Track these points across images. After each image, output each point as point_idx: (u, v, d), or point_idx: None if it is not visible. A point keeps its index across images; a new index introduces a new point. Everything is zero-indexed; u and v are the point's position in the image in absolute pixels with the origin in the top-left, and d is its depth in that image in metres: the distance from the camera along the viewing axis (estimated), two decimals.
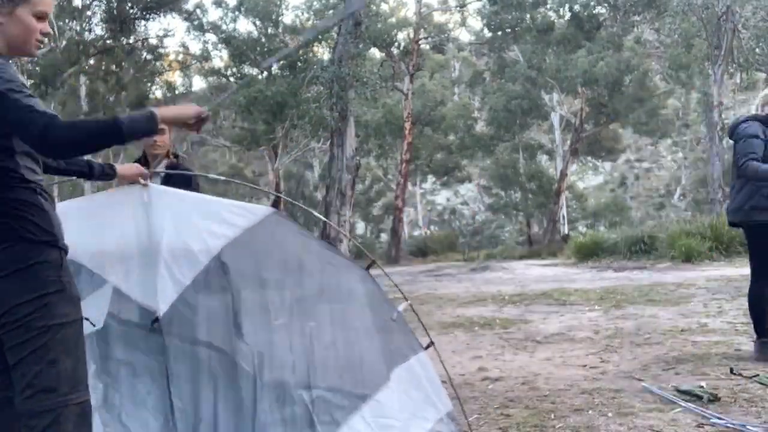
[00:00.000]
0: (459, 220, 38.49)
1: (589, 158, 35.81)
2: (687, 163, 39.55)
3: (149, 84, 23.97)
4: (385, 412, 3.27)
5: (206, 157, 39.69)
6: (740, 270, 11.32)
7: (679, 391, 4.33)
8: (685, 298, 8.94)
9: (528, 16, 25.49)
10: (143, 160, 4.39)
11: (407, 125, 25.72)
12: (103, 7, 19.15)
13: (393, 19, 29.49)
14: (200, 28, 25.43)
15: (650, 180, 43.81)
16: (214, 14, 74.30)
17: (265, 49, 24.37)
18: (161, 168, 4.04)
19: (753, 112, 5.86)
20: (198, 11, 25.13)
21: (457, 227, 36.28)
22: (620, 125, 29.17)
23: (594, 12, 25.73)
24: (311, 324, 3.21)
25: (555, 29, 25.48)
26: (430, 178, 41.23)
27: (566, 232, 26.09)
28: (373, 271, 3.38)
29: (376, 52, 27.91)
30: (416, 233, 38.06)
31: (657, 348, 5.95)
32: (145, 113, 2.19)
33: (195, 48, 43.68)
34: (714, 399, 4.10)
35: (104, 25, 19.35)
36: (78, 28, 19.23)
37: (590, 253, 16.09)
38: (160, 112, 2.21)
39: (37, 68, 17.82)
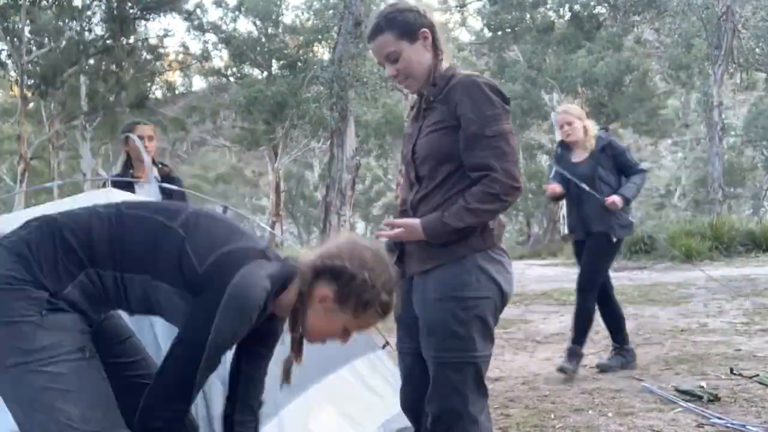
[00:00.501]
0: None
1: None
2: (687, 163, 39.54)
3: (149, 84, 23.97)
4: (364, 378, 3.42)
5: (206, 157, 39.70)
6: (740, 270, 11.32)
7: (679, 391, 4.33)
8: (685, 298, 8.93)
9: (528, 16, 25.50)
10: (128, 164, 4.40)
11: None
12: (103, 7, 19.15)
13: None
14: (200, 28, 25.43)
15: (650, 180, 43.77)
16: (214, 14, 74.30)
17: (265, 49, 24.39)
18: (155, 174, 4.04)
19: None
20: (198, 11, 25.16)
21: None
22: (620, 125, 29.17)
23: (594, 12, 25.74)
24: None
25: (555, 29, 25.49)
26: None
27: (566, 232, 26.06)
28: None
29: None
30: None
31: (657, 348, 5.95)
32: None
33: (195, 48, 43.67)
34: (714, 399, 4.10)
35: (104, 25, 19.36)
36: (78, 28, 19.22)
37: None
38: None
39: (37, 68, 17.83)
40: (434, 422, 2.23)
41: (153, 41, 23.25)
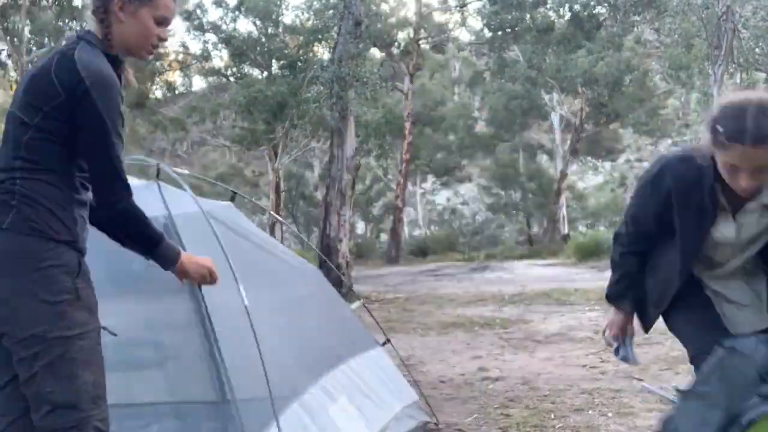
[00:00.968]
0: (459, 220, 38.49)
1: (589, 158, 35.79)
2: None
3: (149, 84, 23.95)
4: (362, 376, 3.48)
5: (206, 156, 39.71)
6: None
7: (679, 391, 4.33)
8: None
9: (528, 16, 25.47)
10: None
11: (407, 125, 25.72)
12: None
13: (393, 19, 29.51)
14: (200, 28, 25.42)
15: None
16: (214, 14, 74.18)
17: (265, 49, 24.37)
18: None
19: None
20: (198, 11, 25.13)
21: (457, 227, 36.29)
22: (620, 125, 29.16)
23: (594, 12, 25.72)
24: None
25: (555, 29, 25.47)
26: (430, 178, 41.20)
27: (566, 232, 26.06)
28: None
29: (376, 52, 27.90)
30: (416, 233, 38.06)
31: (657, 348, 5.95)
32: (176, 252, 2.17)
33: (195, 48, 43.63)
34: None
35: None
36: (78, 28, 19.22)
37: (590, 253, 16.10)
38: (183, 260, 2.18)
39: None
40: None
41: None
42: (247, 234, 3.74)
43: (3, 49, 17.75)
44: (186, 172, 4.25)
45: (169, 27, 2.23)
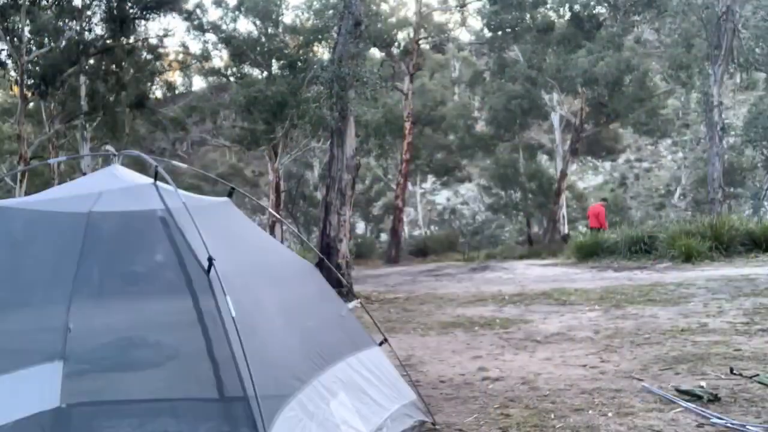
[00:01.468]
0: (459, 220, 38.48)
1: (589, 158, 35.80)
2: (687, 163, 39.53)
3: (149, 84, 23.94)
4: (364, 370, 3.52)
5: (206, 157, 39.72)
6: (740, 270, 11.32)
7: (679, 391, 4.33)
8: (685, 298, 8.93)
9: (528, 15, 25.47)
10: None
11: (407, 125, 25.73)
12: (103, 7, 19.12)
13: (393, 19, 29.49)
14: (200, 28, 25.42)
15: (650, 180, 43.77)
16: (214, 14, 74.28)
17: (265, 49, 24.37)
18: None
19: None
20: (198, 11, 25.14)
21: (457, 227, 36.28)
22: (620, 125, 29.15)
23: (594, 12, 25.72)
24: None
25: (555, 29, 25.47)
26: (430, 178, 41.22)
27: (566, 232, 26.06)
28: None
29: (376, 52, 27.90)
30: (416, 233, 38.06)
31: (657, 348, 5.95)
32: None
33: (195, 48, 43.70)
34: (714, 399, 4.10)
35: (104, 25, 19.32)
36: (78, 28, 19.20)
37: (590, 253, 16.08)
38: None
39: (37, 68, 17.80)
40: None
41: (153, 41, 23.23)
42: (242, 230, 3.76)
43: (3, 49, 17.73)
44: (185, 165, 4.26)
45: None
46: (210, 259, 2.89)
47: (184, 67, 29.08)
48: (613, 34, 24.02)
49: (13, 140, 21.82)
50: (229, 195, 3.83)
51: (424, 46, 29.84)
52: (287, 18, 30.79)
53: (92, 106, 20.78)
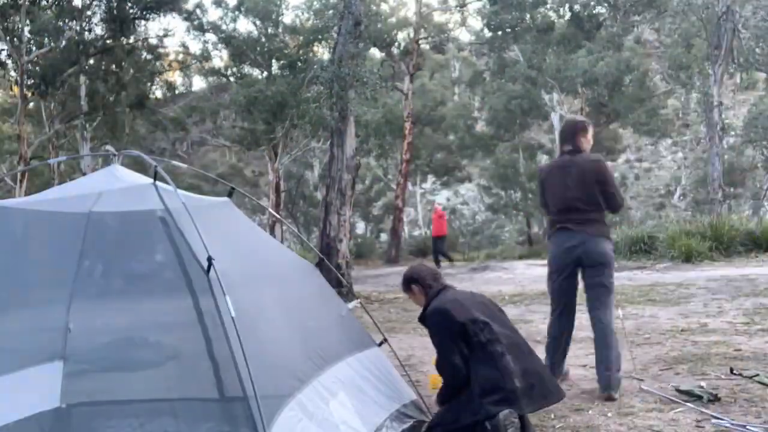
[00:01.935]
0: (459, 220, 38.47)
1: None
2: (687, 163, 39.55)
3: (149, 84, 23.94)
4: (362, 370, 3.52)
5: (206, 157, 39.73)
6: (740, 270, 11.32)
7: (679, 391, 4.32)
8: (685, 298, 8.93)
9: (528, 16, 25.48)
10: None
11: (407, 125, 25.72)
12: (103, 7, 19.12)
13: (393, 19, 29.50)
14: (200, 28, 25.41)
15: (650, 180, 43.80)
16: (214, 14, 74.41)
17: (265, 49, 24.36)
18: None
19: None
20: (198, 11, 25.13)
21: (457, 227, 36.27)
22: (620, 125, 29.16)
23: (594, 12, 25.73)
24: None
25: (555, 29, 25.47)
26: (430, 178, 41.21)
27: None
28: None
29: (376, 52, 27.90)
30: (416, 233, 38.05)
31: (657, 348, 5.95)
32: None
33: (195, 48, 43.76)
34: (714, 399, 4.10)
35: (104, 25, 19.32)
36: (78, 28, 19.19)
37: None
38: None
39: (37, 68, 17.80)
40: None
41: (153, 41, 23.24)
42: (242, 230, 3.76)
43: (3, 49, 17.72)
44: (185, 165, 4.25)
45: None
46: (209, 259, 2.91)
47: (184, 67, 29.09)
48: (613, 34, 24.04)
49: (13, 140, 21.83)
50: (229, 195, 3.84)
51: (424, 46, 29.83)
52: (287, 18, 30.88)
53: (92, 106, 20.78)
